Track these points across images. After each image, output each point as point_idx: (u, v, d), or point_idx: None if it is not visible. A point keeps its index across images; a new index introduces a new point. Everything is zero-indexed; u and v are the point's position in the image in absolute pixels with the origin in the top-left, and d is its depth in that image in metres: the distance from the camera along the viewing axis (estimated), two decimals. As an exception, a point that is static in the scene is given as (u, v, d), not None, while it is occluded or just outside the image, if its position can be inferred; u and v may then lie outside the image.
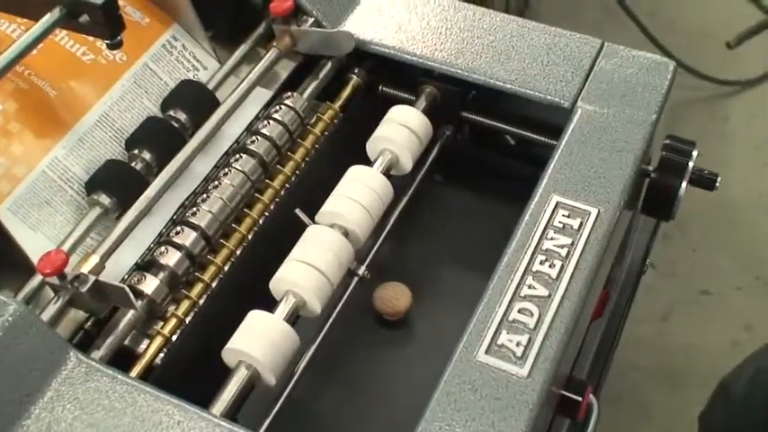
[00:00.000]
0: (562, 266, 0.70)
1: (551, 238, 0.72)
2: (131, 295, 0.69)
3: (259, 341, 0.69)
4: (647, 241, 1.02)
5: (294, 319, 0.72)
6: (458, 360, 0.65)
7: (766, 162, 2.03)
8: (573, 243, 0.72)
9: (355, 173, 0.80)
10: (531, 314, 0.68)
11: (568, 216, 0.74)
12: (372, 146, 0.84)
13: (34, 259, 0.72)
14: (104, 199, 0.77)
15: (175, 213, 0.79)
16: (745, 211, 1.91)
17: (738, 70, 2.18)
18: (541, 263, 0.71)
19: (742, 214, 1.90)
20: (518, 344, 0.66)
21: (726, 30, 2.26)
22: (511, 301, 0.69)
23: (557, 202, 0.75)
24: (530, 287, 0.69)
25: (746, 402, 1.08)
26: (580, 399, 0.72)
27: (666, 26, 2.17)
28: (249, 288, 0.75)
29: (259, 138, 0.83)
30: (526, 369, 0.65)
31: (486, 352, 0.66)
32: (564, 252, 0.71)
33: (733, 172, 1.91)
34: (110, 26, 0.75)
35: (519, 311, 0.68)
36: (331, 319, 0.76)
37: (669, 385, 1.66)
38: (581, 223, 0.73)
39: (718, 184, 0.84)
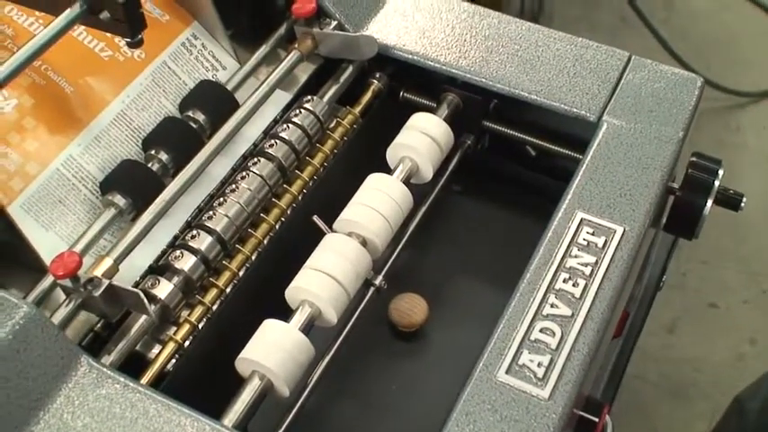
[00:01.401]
0: (586, 285, 0.69)
1: (575, 256, 0.71)
2: (146, 301, 0.67)
3: (274, 351, 0.67)
4: (664, 257, 1.01)
5: (309, 328, 0.71)
6: (477, 379, 0.64)
7: (779, 174, 2.02)
8: (597, 262, 0.70)
9: (375, 180, 0.79)
10: (554, 334, 0.66)
11: (593, 234, 0.72)
12: (392, 153, 0.83)
13: (46, 259, 0.71)
14: (119, 200, 0.75)
15: (191, 216, 0.77)
16: (756, 223, 1.89)
17: (751, 81, 2.16)
18: (565, 281, 0.69)
19: (752, 227, 1.89)
20: (539, 364, 0.65)
21: (737, 38, 2.24)
22: (533, 320, 0.67)
23: (581, 219, 0.73)
24: (552, 306, 0.68)
25: (761, 419, 1.06)
26: (597, 419, 0.71)
27: (679, 34, 2.16)
28: (264, 295, 0.74)
29: (278, 141, 0.81)
30: (547, 391, 0.63)
31: (507, 372, 0.64)
32: (588, 271, 0.70)
33: (744, 184, 1.89)
34: (131, 24, 0.73)
35: (541, 331, 0.67)
36: (346, 330, 0.75)
37: (673, 397, 1.65)
38: (606, 242, 0.72)
39: (743, 204, 0.82)
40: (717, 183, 0.81)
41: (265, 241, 0.78)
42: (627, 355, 0.96)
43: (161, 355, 0.70)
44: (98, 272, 0.68)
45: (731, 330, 1.75)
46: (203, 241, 0.74)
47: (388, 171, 0.81)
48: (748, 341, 1.73)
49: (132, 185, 0.76)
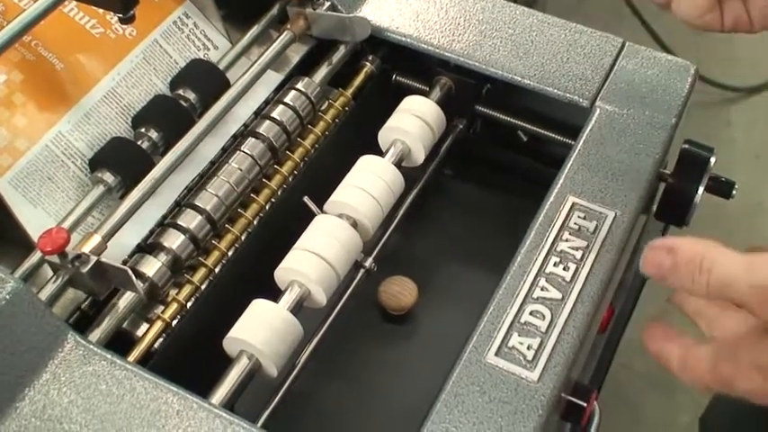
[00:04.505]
0: (576, 269, 0.69)
1: (566, 240, 0.71)
2: (134, 278, 0.67)
3: (262, 331, 0.67)
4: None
5: (298, 309, 0.70)
6: (467, 361, 0.64)
7: (767, 170, 2.02)
8: (588, 246, 0.70)
9: (366, 162, 0.78)
10: (544, 317, 0.66)
11: (584, 218, 0.72)
12: (384, 136, 0.82)
13: (34, 235, 0.71)
14: (108, 177, 0.75)
15: (180, 195, 0.77)
16: (744, 218, 1.90)
17: (742, 76, 2.16)
18: (555, 265, 0.69)
19: (740, 221, 1.89)
20: (529, 347, 0.64)
21: (729, 34, 2.24)
22: (523, 303, 0.67)
23: (573, 204, 0.73)
24: (542, 289, 0.68)
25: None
26: (585, 405, 0.71)
27: (670, 28, 2.16)
28: (253, 275, 0.73)
29: (269, 122, 0.81)
30: (536, 373, 0.63)
31: (497, 354, 0.64)
32: (579, 255, 0.70)
33: (733, 179, 1.89)
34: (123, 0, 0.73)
35: (531, 314, 0.66)
36: (335, 312, 0.74)
37: (659, 389, 1.65)
38: (597, 226, 0.71)
39: (734, 192, 0.82)
40: (709, 170, 0.81)
41: (255, 221, 0.78)
42: (615, 342, 0.96)
43: (148, 334, 0.70)
44: (86, 248, 0.68)
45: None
46: (192, 220, 0.74)
47: (380, 154, 0.81)
48: (735, 335, 1.73)
49: (121, 163, 0.75)
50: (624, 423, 1.58)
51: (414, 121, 0.81)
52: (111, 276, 0.68)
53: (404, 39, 0.87)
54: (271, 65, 0.85)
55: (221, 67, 0.85)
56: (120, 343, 0.69)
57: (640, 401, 1.62)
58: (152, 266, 0.71)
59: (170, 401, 0.61)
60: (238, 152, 0.78)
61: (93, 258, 0.67)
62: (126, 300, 0.70)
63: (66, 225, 0.71)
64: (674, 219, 0.84)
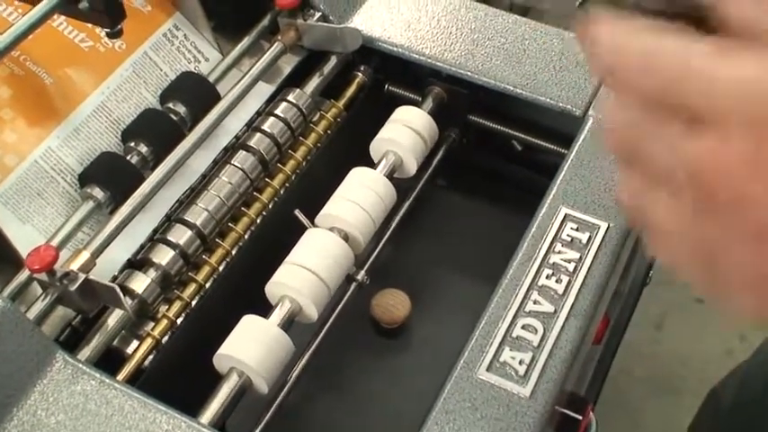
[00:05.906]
0: (569, 282, 0.68)
1: (559, 252, 0.70)
2: (122, 296, 0.66)
3: (252, 347, 0.66)
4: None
5: (288, 324, 0.70)
6: (458, 377, 0.63)
7: (767, 171, 2.01)
8: (581, 258, 0.70)
9: (358, 175, 0.78)
10: (536, 331, 0.65)
11: (577, 229, 0.71)
12: (376, 147, 0.82)
13: (23, 252, 0.70)
14: (98, 192, 0.74)
15: (171, 210, 0.76)
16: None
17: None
18: (548, 277, 0.68)
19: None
20: (521, 362, 0.64)
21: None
22: (515, 317, 0.66)
23: (565, 215, 0.72)
24: (535, 303, 0.67)
25: (734, 412, 1.05)
26: (581, 417, 0.70)
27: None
28: (244, 291, 0.73)
29: (260, 134, 0.80)
30: (529, 389, 0.62)
31: (488, 369, 0.63)
32: (571, 267, 0.69)
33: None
34: (110, 14, 0.72)
35: (523, 328, 0.66)
36: (327, 326, 0.74)
37: (660, 393, 1.65)
38: (590, 238, 0.71)
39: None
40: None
41: (246, 236, 0.77)
42: (612, 351, 0.95)
43: (138, 351, 0.69)
44: (74, 266, 0.67)
45: (719, 326, 1.74)
46: (182, 235, 0.73)
47: (372, 165, 0.80)
48: (737, 337, 1.72)
49: (111, 178, 0.75)
50: (625, 428, 1.58)
51: (406, 132, 0.81)
52: (99, 294, 0.67)
53: (396, 49, 0.86)
54: (262, 76, 0.84)
55: (212, 79, 0.84)
56: (110, 360, 0.68)
57: (640, 407, 1.61)
58: (141, 283, 0.70)
59: (159, 421, 0.60)
60: (229, 165, 0.78)
61: (82, 276, 0.66)
62: (116, 317, 0.70)
63: (55, 242, 0.71)
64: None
